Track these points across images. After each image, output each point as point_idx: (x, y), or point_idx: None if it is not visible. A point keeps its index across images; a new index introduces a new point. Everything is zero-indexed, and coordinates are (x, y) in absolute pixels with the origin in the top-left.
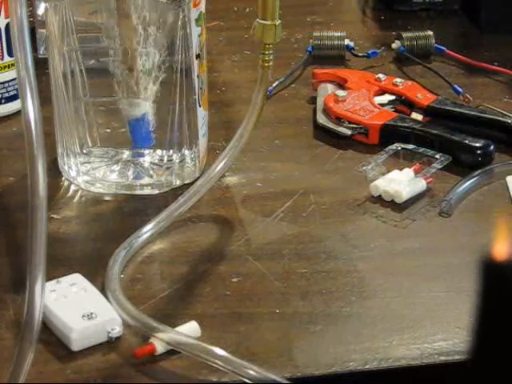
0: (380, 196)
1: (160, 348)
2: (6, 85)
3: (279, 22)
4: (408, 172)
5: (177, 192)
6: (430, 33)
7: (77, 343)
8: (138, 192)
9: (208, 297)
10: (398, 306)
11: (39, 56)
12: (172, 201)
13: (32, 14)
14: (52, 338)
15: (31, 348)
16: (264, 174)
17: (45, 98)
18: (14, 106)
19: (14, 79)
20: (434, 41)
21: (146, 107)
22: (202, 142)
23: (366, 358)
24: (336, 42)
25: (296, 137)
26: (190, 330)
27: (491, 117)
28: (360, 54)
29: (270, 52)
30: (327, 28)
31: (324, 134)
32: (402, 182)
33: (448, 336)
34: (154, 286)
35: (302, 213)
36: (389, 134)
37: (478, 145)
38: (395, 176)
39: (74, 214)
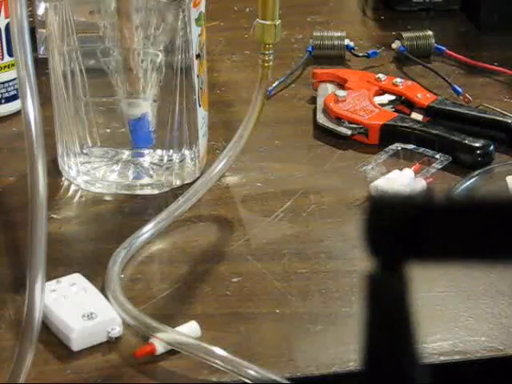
0: None
1: (160, 348)
2: (6, 85)
3: (279, 22)
4: (408, 172)
5: (177, 192)
6: (430, 33)
7: (77, 343)
8: (138, 192)
9: (208, 297)
10: None
11: (39, 56)
12: (172, 201)
13: (32, 14)
14: (52, 338)
15: (31, 348)
16: (264, 174)
17: (45, 98)
18: (13, 106)
19: (14, 79)
20: (433, 41)
21: (146, 107)
22: (202, 141)
23: None
24: (336, 42)
25: (296, 137)
26: (190, 330)
27: (491, 117)
28: (360, 54)
29: (270, 52)
30: (327, 28)
31: (324, 134)
32: (402, 182)
33: (448, 336)
34: (154, 285)
35: (302, 213)
36: (389, 134)
37: (477, 145)
38: (395, 176)
39: (73, 214)
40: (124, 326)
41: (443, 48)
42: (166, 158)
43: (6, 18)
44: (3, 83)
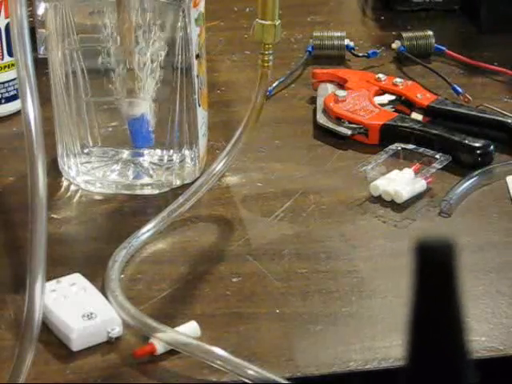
0: (380, 196)
1: (160, 348)
2: (6, 85)
3: (279, 22)
4: (408, 172)
5: (177, 192)
6: (430, 33)
7: (77, 343)
8: (138, 192)
9: (208, 297)
10: (398, 306)
11: (39, 56)
12: (172, 201)
13: (32, 14)
14: (52, 338)
15: (31, 348)
16: (264, 174)
17: (45, 98)
18: (13, 106)
19: (14, 79)
20: (433, 41)
21: (145, 107)
22: (202, 141)
23: (366, 358)
24: (336, 42)
25: (296, 137)
26: (189, 330)
27: (491, 117)
28: (360, 54)
29: (270, 52)
30: (327, 28)
31: (324, 134)
32: (401, 182)
33: None
34: (153, 286)
35: (302, 213)
36: (389, 133)
37: (477, 145)
38: (395, 176)
39: (73, 214)
40: (124, 326)
41: (443, 48)
42: (166, 158)
43: (6, 18)
44: (3, 83)
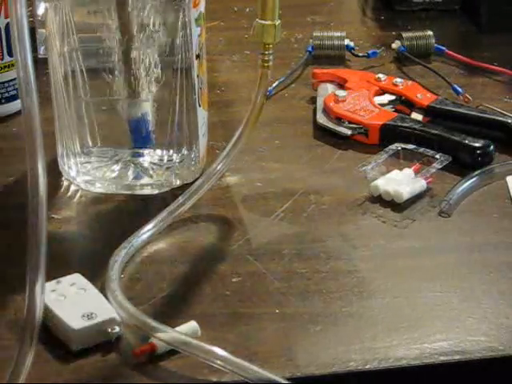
0: (380, 196)
1: (160, 348)
2: (6, 85)
3: (279, 22)
4: (408, 172)
5: (177, 192)
6: (430, 33)
7: (77, 343)
8: (138, 192)
9: (208, 297)
10: (398, 306)
11: (39, 56)
12: (172, 201)
13: (32, 14)
14: (52, 338)
15: (31, 348)
16: (264, 174)
17: (45, 98)
18: (14, 106)
19: (14, 79)
20: (433, 41)
21: (146, 107)
22: (202, 141)
23: (365, 358)
24: (336, 42)
25: (296, 137)
26: (189, 329)
27: (491, 117)
28: (360, 54)
29: (270, 52)
30: (327, 28)
31: (324, 134)
32: (401, 182)
33: (448, 336)
34: (153, 286)
35: (302, 213)
36: (389, 134)
37: (477, 145)
38: (395, 176)
39: (74, 214)
40: (124, 326)
41: (443, 48)
42: (166, 158)
43: (6, 18)
44: (3, 83)
